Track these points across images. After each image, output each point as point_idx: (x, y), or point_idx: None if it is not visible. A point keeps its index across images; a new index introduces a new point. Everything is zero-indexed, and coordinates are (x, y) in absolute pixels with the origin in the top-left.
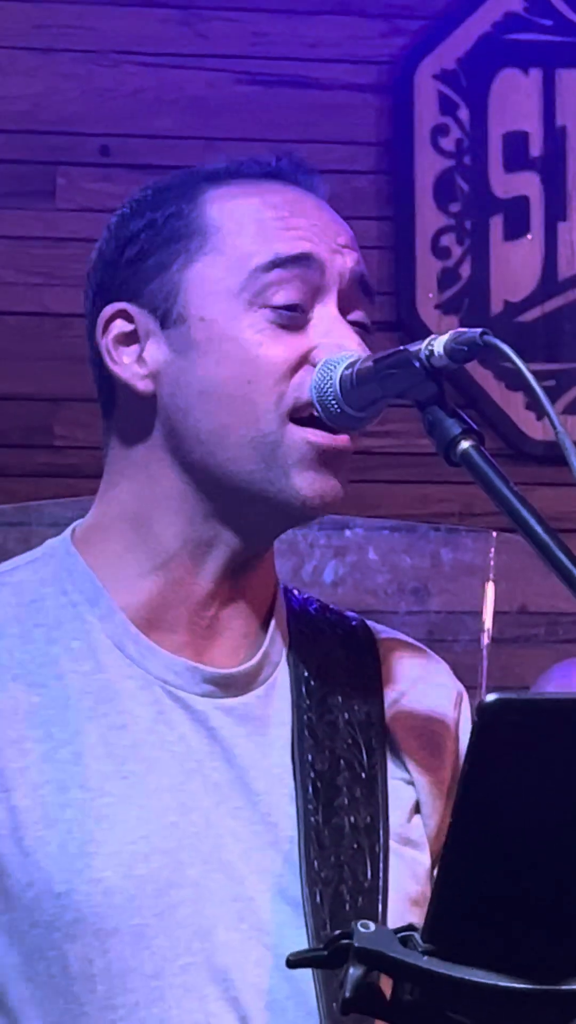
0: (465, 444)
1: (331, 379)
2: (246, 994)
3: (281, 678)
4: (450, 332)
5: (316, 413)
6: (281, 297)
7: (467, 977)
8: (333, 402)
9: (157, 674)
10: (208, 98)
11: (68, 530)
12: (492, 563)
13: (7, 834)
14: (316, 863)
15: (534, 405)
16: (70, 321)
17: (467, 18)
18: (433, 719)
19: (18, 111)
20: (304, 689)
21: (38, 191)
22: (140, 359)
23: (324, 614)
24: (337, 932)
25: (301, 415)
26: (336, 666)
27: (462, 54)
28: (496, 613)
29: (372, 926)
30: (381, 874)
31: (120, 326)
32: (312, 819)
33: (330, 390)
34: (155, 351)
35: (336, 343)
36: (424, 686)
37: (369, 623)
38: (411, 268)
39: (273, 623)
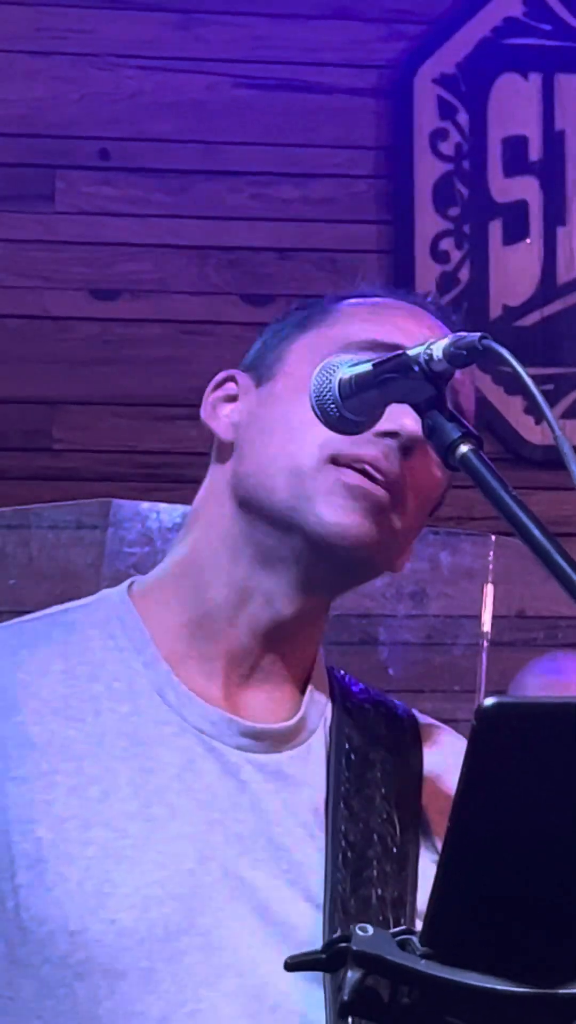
0: (464, 448)
1: (330, 383)
2: None
3: (317, 743)
4: (449, 336)
5: (320, 419)
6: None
7: (465, 980)
8: (332, 406)
9: (194, 723)
10: (207, 102)
11: (127, 582)
12: (491, 567)
13: (29, 865)
14: (340, 930)
15: (533, 409)
16: (69, 324)
17: (466, 23)
18: None
19: (17, 114)
20: (344, 760)
21: (37, 194)
22: (233, 411)
23: (369, 694)
24: (336, 936)
25: (339, 462)
26: (378, 743)
27: (462, 58)
28: (495, 617)
29: (370, 929)
30: None
31: (226, 388)
32: (340, 887)
33: (329, 394)
34: (245, 405)
35: (395, 416)
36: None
37: (415, 712)
38: (410, 272)
39: (311, 688)
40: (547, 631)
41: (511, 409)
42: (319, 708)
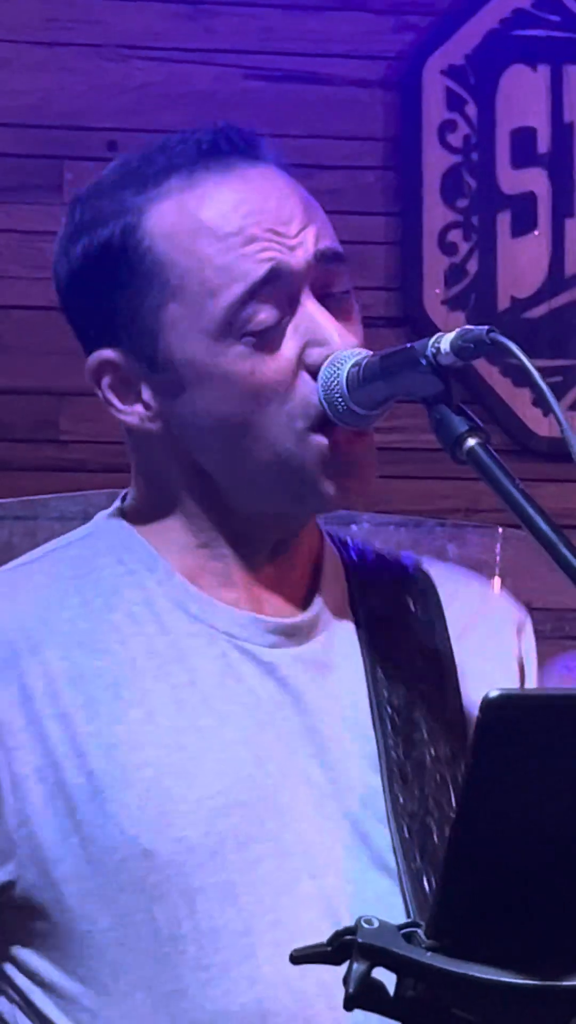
0: (471, 442)
1: (337, 377)
2: None
3: (341, 624)
4: (457, 330)
5: (328, 415)
6: (259, 321)
7: (471, 973)
8: (339, 400)
9: (223, 628)
10: (216, 93)
11: (115, 505)
12: (498, 559)
13: (87, 799)
14: (401, 798)
15: (540, 401)
16: None
17: (475, 14)
18: (500, 649)
19: (25, 105)
20: (371, 631)
21: (45, 185)
22: (141, 402)
23: (380, 560)
24: (341, 928)
25: (315, 423)
26: (401, 608)
27: (470, 50)
28: None
29: (376, 922)
30: None
31: (111, 376)
32: (393, 754)
33: (336, 388)
34: (152, 394)
35: (320, 339)
36: (486, 618)
37: (425, 561)
38: (418, 264)
39: (325, 574)
40: (554, 623)
41: (518, 401)
42: (338, 587)
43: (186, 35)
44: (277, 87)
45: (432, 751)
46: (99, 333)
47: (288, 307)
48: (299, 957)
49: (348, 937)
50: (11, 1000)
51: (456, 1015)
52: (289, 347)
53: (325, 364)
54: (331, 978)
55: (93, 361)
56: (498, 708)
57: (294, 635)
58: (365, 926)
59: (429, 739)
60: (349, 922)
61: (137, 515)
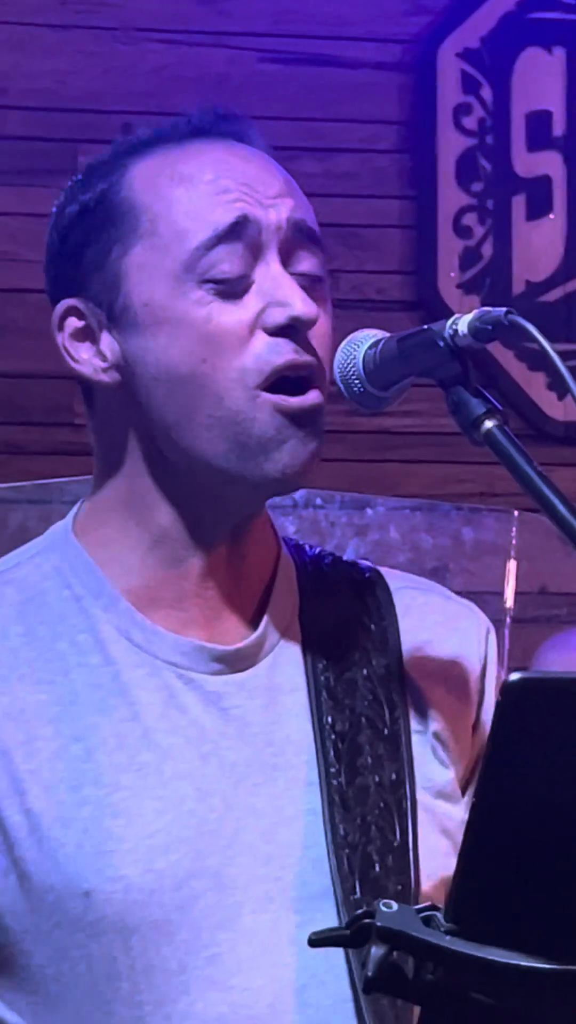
0: (489, 424)
1: (354, 358)
2: (275, 978)
3: (291, 641)
4: (474, 311)
5: (344, 394)
6: (223, 270)
7: (490, 957)
8: (356, 381)
9: (166, 658)
10: (230, 76)
11: (70, 515)
12: (514, 542)
13: (25, 836)
14: (342, 827)
15: (555, 385)
16: None
17: None
18: (457, 663)
19: (40, 88)
20: (319, 649)
21: (59, 169)
22: (98, 353)
23: (336, 568)
24: (360, 911)
25: (267, 383)
26: (353, 622)
27: (485, 33)
28: (517, 593)
29: (395, 905)
30: (410, 830)
31: (73, 323)
32: (335, 782)
33: (352, 370)
34: (110, 343)
35: (280, 300)
36: (445, 631)
37: (384, 572)
38: (433, 248)
39: (277, 586)
40: (570, 607)
41: (533, 385)
42: (288, 601)
43: (201, 18)
44: (292, 70)
45: (376, 777)
46: (67, 285)
47: (253, 262)
48: (317, 941)
49: (367, 920)
50: None
51: (475, 999)
52: (250, 303)
53: (341, 347)
54: (265, 1012)
55: (59, 308)
56: (518, 691)
57: (239, 660)
58: (384, 909)
59: (373, 764)
60: (291, 954)
61: (88, 524)
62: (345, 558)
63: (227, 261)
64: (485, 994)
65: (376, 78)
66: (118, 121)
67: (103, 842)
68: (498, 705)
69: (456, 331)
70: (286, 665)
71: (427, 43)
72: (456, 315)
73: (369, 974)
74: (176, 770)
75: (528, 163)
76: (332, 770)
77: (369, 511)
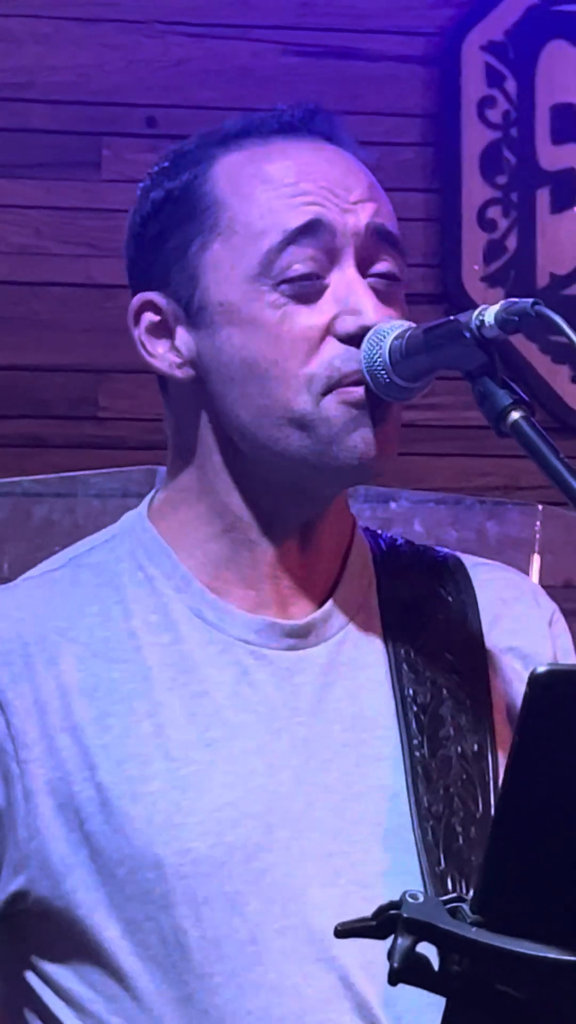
0: (515, 415)
1: (380, 349)
2: (344, 952)
3: (366, 618)
4: (501, 302)
5: (368, 384)
6: (294, 271)
7: (516, 949)
8: (383, 372)
9: (238, 635)
10: (254, 69)
11: (144, 502)
12: (538, 536)
13: (96, 811)
14: (426, 799)
15: None
16: (115, 292)
17: None
18: (529, 636)
19: (64, 82)
20: (397, 624)
21: (83, 162)
22: (173, 348)
23: (412, 548)
24: (386, 903)
25: (333, 388)
26: (431, 597)
27: (510, 25)
28: (542, 587)
29: (421, 896)
30: (492, 802)
31: (149, 318)
32: (418, 753)
33: (379, 360)
34: (186, 339)
35: (353, 308)
36: (518, 606)
37: (459, 554)
38: (457, 240)
39: (351, 561)
40: None
41: (558, 378)
42: (363, 579)
43: (225, 11)
44: (316, 63)
45: (459, 748)
46: (147, 276)
47: (329, 266)
48: (344, 931)
49: (393, 912)
50: (32, 1009)
51: (501, 990)
52: (324, 308)
53: (368, 337)
54: (337, 984)
55: (136, 302)
56: (545, 683)
57: (311, 634)
58: (410, 900)
59: (455, 735)
60: None
61: (162, 510)
62: (420, 544)
63: (299, 262)
64: (511, 986)
65: (400, 71)
66: (143, 114)
67: (172, 815)
68: (525, 697)
69: (483, 322)
70: (361, 641)
71: (451, 36)
72: (483, 306)
73: (395, 965)
74: (246, 746)
75: (552, 156)
76: (415, 742)
77: (393, 504)
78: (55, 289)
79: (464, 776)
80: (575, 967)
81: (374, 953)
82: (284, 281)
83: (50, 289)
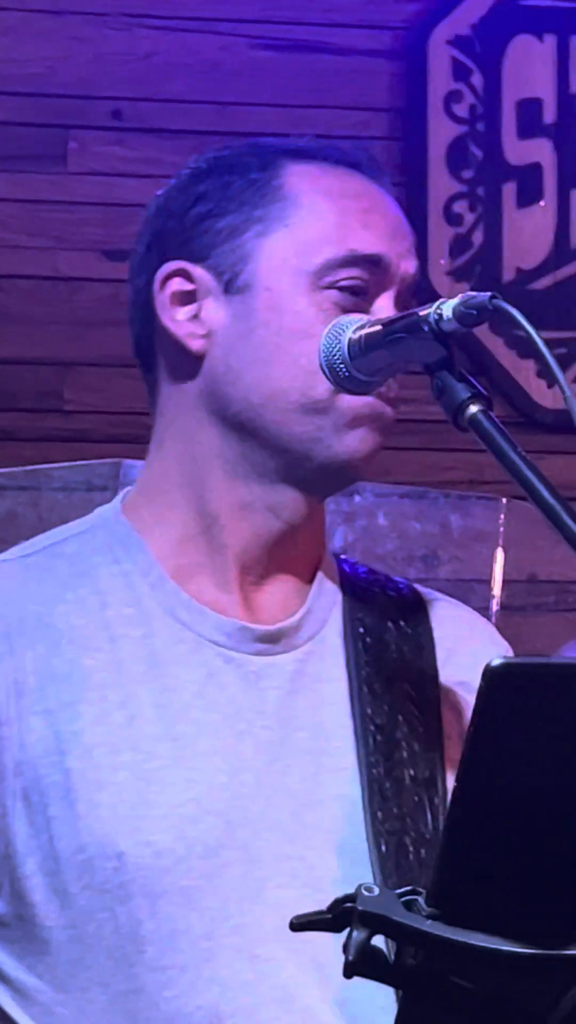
0: (473, 409)
1: (339, 343)
2: (297, 951)
3: (331, 634)
4: (459, 296)
5: (329, 378)
6: (345, 284)
7: (470, 941)
8: (341, 366)
9: (208, 636)
10: (222, 62)
11: (118, 497)
12: (502, 530)
13: (61, 796)
14: (380, 814)
15: (545, 373)
16: (81, 285)
17: None
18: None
19: (30, 74)
20: (360, 645)
21: (50, 155)
22: (196, 318)
23: (374, 577)
24: (341, 895)
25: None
26: (392, 625)
27: (476, 20)
28: (505, 581)
29: (376, 889)
30: (441, 827)
31: (179, 284)
32: (374, 770)
33: (338, 354)
34: (213, 312)
35: None
36: (473, 642)
37: (417, 586)
38: (423, 234)
39: (320, 576)
40: (558, 595)
41: (523, 373)
42: (329, 597)
43: (193, 4)
44: (283, 57)
45: (411, 772)
46: (184, 247)
47: (375, 293)
48: (299, 924)
49: (348, 904)
50: None
51: (455, 983)
52: (385, 372)
53: (327, 330)
54: (289, 982)
55: (170, 267)
56: (500, 676)
57: (281, 640)
58: (365, 893)
59: (408, 759)
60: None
61: (138, 502)
62: (379, 571)
63: (352, 281)
64: (465, 978)
65: (367, 65)
66: (109, 107)
67: (137, 806)
68: (480, 689)
69: (441, 315)
70: (326, 655)
71: (418, 30)
72: (441, 299)
73: (349, 958)
74: (211, 745)
75: (519, 150)
76: (372, 759)
77: (357, 498)
78: (21, 282)
79: (416, 799)
80: (528, 959)
81: (327, 955)
82: (334, 287)
83: (16, 282)
